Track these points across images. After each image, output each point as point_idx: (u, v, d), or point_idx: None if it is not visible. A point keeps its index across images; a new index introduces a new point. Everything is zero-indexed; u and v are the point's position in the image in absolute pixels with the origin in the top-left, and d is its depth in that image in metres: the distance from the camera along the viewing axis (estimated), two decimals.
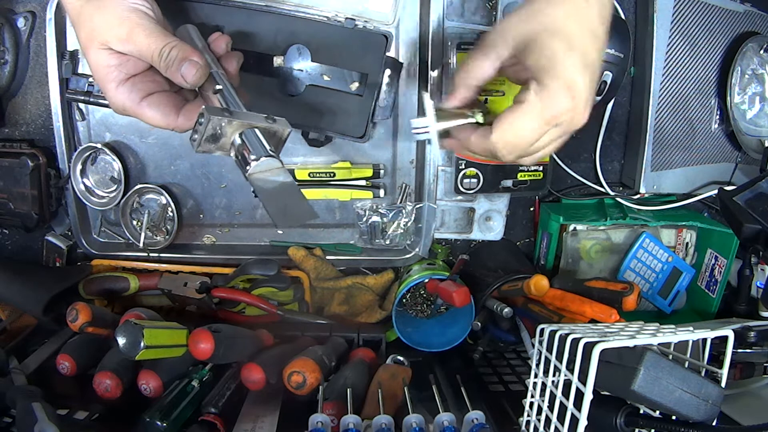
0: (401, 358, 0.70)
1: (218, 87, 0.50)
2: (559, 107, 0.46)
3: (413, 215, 0.78)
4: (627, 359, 0.44)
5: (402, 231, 0.79)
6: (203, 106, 0.46)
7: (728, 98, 0.79)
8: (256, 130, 0.48)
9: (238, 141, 0.48)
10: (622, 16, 0.78)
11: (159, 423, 0.54)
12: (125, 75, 0.49)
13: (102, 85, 0.49)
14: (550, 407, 0.48)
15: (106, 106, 0.65)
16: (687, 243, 0.86)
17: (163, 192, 0.77)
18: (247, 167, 0.47)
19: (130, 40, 0.47)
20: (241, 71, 0.64)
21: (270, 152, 0.47)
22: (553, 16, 0.45)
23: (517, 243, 0.88)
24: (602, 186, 0.84)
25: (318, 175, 0.77)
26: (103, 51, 0.48)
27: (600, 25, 0.46)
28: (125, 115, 0.50)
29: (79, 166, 0.76)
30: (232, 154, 0.49)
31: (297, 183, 0.76)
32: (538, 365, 0.52)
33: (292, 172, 0.77)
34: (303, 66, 0.69)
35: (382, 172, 0.78)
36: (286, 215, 0.49)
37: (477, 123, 0.56)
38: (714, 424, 0.45)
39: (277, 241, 0.82)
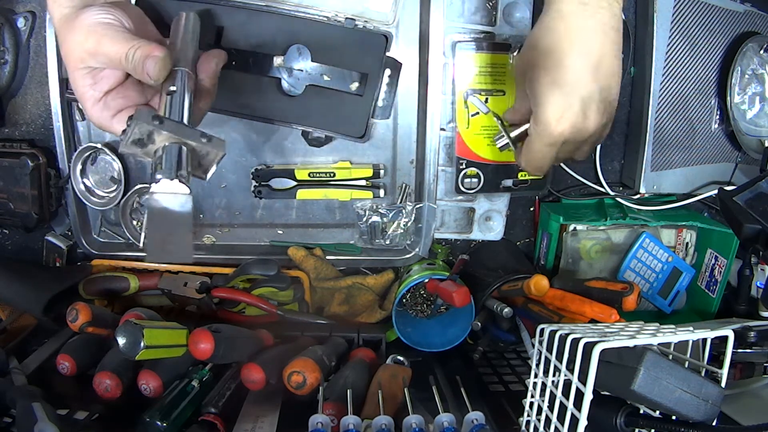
0: (401, 358, 0.69)
1: (172, 88, 0.48)
2: (552, 136, 0.54)
3: (413, 215, 0.78)
4: (627, 359, 0.44)
5: (402, 231, 0.79)
6: (137, 108, 0.45)
7: (728, 98, 0.79)
8: (183, 148, 0.45)
9: (160, 153, 0.45)
10: (622, 16, 0.78)
11: (159, 423, 0.54)
12: (100, 93, 0.51)
13: (81, 104, 0.52)
14: (550, 407, 0.48)
15: None
16: (687, 243, 0.86)
17: None
18: (152, 184, 0.44)
19: (98, 51, 0.48)
20: (241, 71, 0.64)
21: (181, 176, 0.43)
22: (546, 41, 0.53)
23: (517, 243, 0.88)
24: (602, 186, 0.84)
25: (318, 175, 0.77)
26: (80, 71, 0.50)
27: (607, 32, 0.52)
28: (102, 130, 0.54)
29: (79, 166, 0.76)
30: (155, 164, 0.45)
31: (296, 183, 0.77)
32: (538, 365, 0.52)
33: (291, 171, 0.77)
34: (303, 66, 0.69)
35: (382, 172, 0.78)
36: (163, 249, 0.45)
37: None
38: (714, 424, 0.45)
39: (277, 241, 0.82)
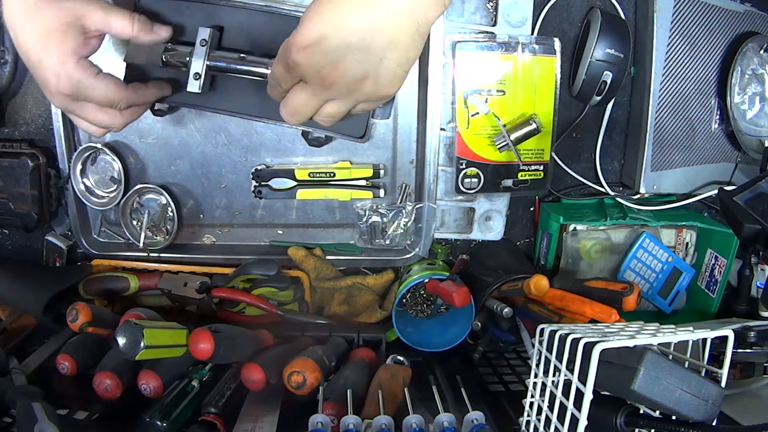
0: (401, 358, 0.70)
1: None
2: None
3: (413, 215, 0.78)
4: (627, 359, 0.44)
5: (402, 231, 0.79)
6: None
7: (728, 98, 0.79)
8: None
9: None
10: (622, 16, 0.79)
11: (159, 423, 0.54)
12: (87, 53, 0.55)
13: (58, 65, 0.52)
14: (550, 407, 0.48)
15: None
16: (687, 243, 0.86)
17: (163, 192, 0.77)
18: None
19: (107, 11, 0.54)
20: (236, 75, 0.64)
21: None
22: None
23: (517, 243, 0.88)
24: (602, 186, 0.84)
25: (318, 175, 0.77)
26: (72, 28, 0.53)
27: None
28: (74, 94, 0.54)
29: (79, 166, 0.76)
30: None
31: (296, 183, 0.77)
32: (538, 365, 0.52)
33: (291, 171, 0.77)
34: None
35: (382, 172, 0.78)
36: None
37: (536, 129, 0.72)
38: (714, 424, 0.45)
39: (277, 241, 0.82)
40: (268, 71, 0.59)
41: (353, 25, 0.45)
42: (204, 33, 0.60)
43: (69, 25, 0.52)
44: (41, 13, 0.51)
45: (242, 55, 0.61)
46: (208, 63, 0.60)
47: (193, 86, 0.60)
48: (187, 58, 0.60)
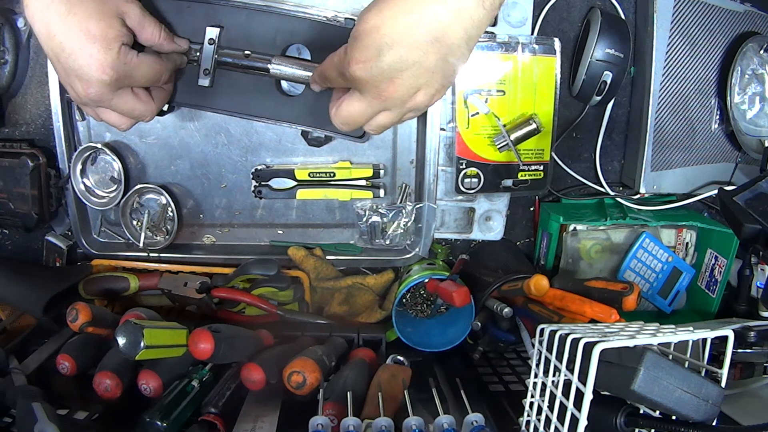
0: (401, 358, 0.69)
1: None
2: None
3: (413, 215, 0.78)
4: (627, 359, 0.44)
5: (402, 231, 0.79)
6: None
7: (728, 98, 0.79)
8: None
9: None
10: (622, 16, 0.79)
11: (159, 423, 0.54)
12: (129, 41, 0.56)
13: (102, 51, 0.52)
14: (550, 407, 0.48)
15: None
16: (687, 243, 0.86)
17: (163, 192, 0.77)
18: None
19: (143, 14, 0.57)
20: (241, 70, 0.65)
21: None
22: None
23: (517, 243, 0.88)
24: (602, 186, 0.84)
25: (318, 175, 0.77)
26: (115, 19, 0.54)
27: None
28: (119, 80, 0.54)
29: (79, 166, 0.76)
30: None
31: (296, 183, 0.77)
32: (538, 365, 0.52)
33: (291, 171, 0.77)
34: None
35: (382, 172, 0.78)
36: None
37: (536, 129, 0.73)
38: (714, 424, 0.45)
39: (277, 241, 0.82)
40: (270, 66, 0.63)
41: (412, 41, 0.45)
42: (212, 32, 0.64)
43: (112, 15, 0.53)
44: (80, 4, 0.51)
45: (247, 52, 0.64)
46: (216, 58, 0.64)
47: (204, 81, 0.65)
48: (198, 54, 0.64)
